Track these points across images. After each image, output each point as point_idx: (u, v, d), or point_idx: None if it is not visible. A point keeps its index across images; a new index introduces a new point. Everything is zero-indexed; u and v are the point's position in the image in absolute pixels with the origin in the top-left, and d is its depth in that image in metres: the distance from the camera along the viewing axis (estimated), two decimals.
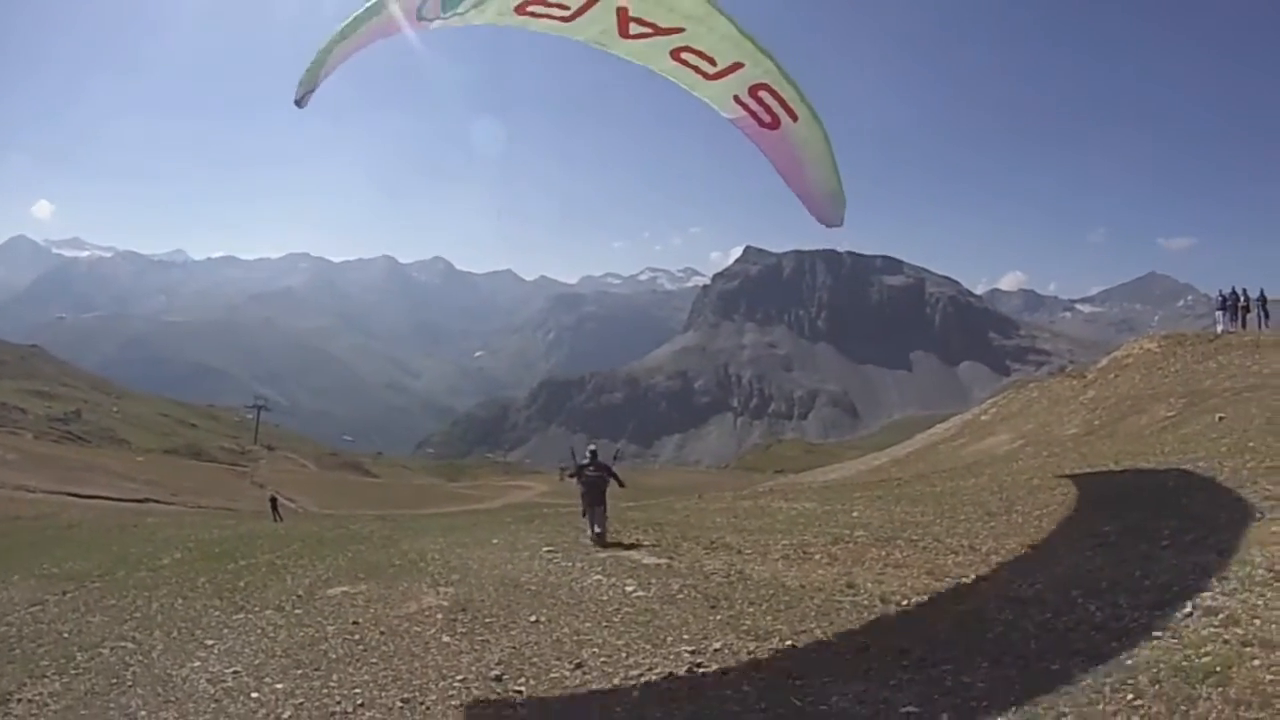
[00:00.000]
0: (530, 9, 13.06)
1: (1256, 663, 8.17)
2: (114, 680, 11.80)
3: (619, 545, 19.77)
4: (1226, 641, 8.72)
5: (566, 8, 13.00)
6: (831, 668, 9.99)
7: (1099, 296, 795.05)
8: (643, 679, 10.33)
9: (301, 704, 10.39)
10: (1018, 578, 12.44)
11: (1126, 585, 11.05)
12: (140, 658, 12.79)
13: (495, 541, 21.28)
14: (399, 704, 10.12)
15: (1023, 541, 14.62)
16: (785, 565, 15.96)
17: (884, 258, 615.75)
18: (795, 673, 9.93)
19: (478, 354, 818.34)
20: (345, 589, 16.62)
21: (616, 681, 10.29)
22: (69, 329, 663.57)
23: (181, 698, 10.94)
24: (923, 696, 8.79)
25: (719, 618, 12.43)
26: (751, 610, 12.70)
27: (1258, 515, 12.81)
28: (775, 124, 15.21)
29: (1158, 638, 9.20)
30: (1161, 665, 8.44)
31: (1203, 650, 8.60)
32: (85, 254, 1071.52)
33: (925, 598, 12.32)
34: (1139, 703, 7.84)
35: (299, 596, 16.27)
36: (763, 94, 14.73)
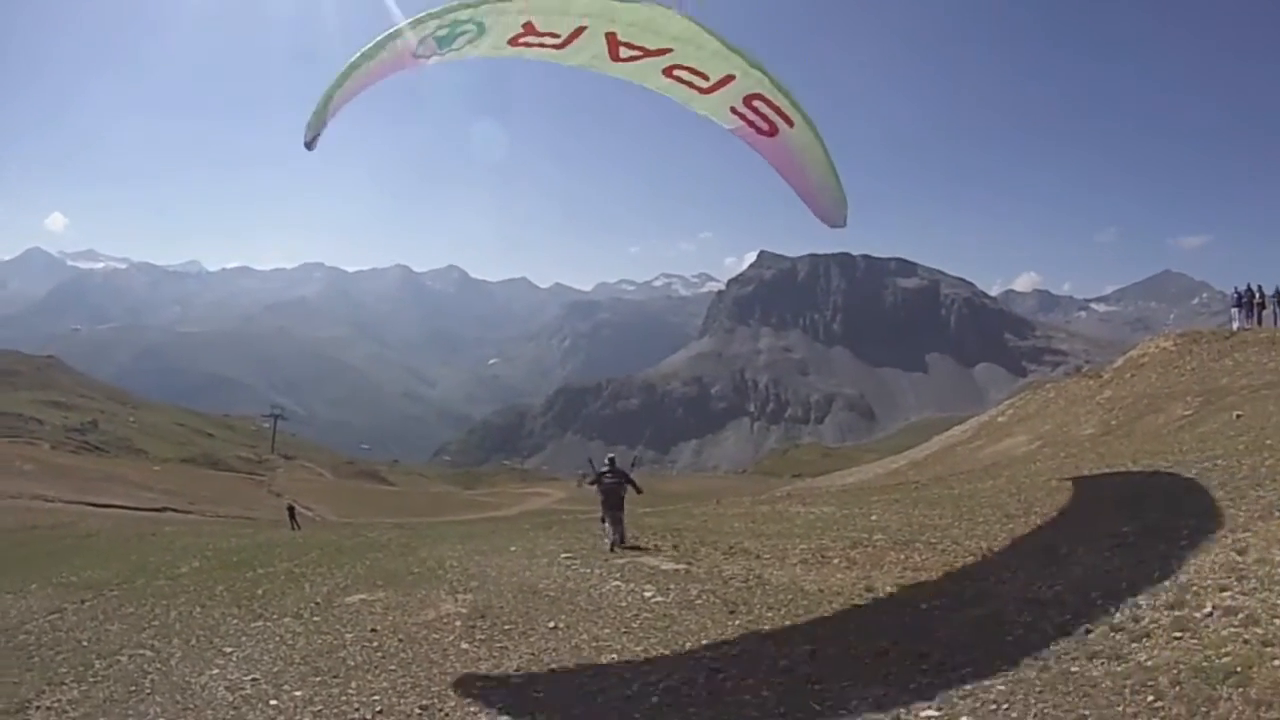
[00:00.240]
0: (523, 41, 14.22)
1: (1277, 663, 8.15)
2: (132, 688, 11.86)
3: (637, 549, 19.85)
4: (1247, 641, 8.70)
5: (557, 36, 14.15)
6: (851, 672, 10.00)
7: (1114, 296, 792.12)
8: (662, 685, 10.32)
9: (320, 711, 10.44)
10: (1037, 580, 12.40)
11: (1146, 586, 11.02)
12: (159, 665, 12.85)
13: (513, 548, 21.28)
14: (417, 711, 10.15)
15: (1041, 543, 14.58)
16: (804, 570, 15.96)
17: (898, 260, 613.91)
18: (814, 677, 9.94)
19: (492, 361, 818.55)
20: (363, 596, 16.63)
21: (636, 688, 10.30)
22: (84, 340, 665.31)
23: (200, 705, 10.99)
24: (942, 700, 8.80)
25: (738, 623, 12.44)
26: (770, 615, 12.71)
27: (1277, 513, 12.75)
28: (773, 131, 16.17)
29: (1178, 638, 9.18)
30: (1182, 666, 8.42)
31: (1223, 650, 8.58)
32: (100, 265, 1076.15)
33: (944, 600, 12.29)
34: (1159, 704, 7.83)
35: (317, 604, 16.29)
36: (757, 103, 15.67)
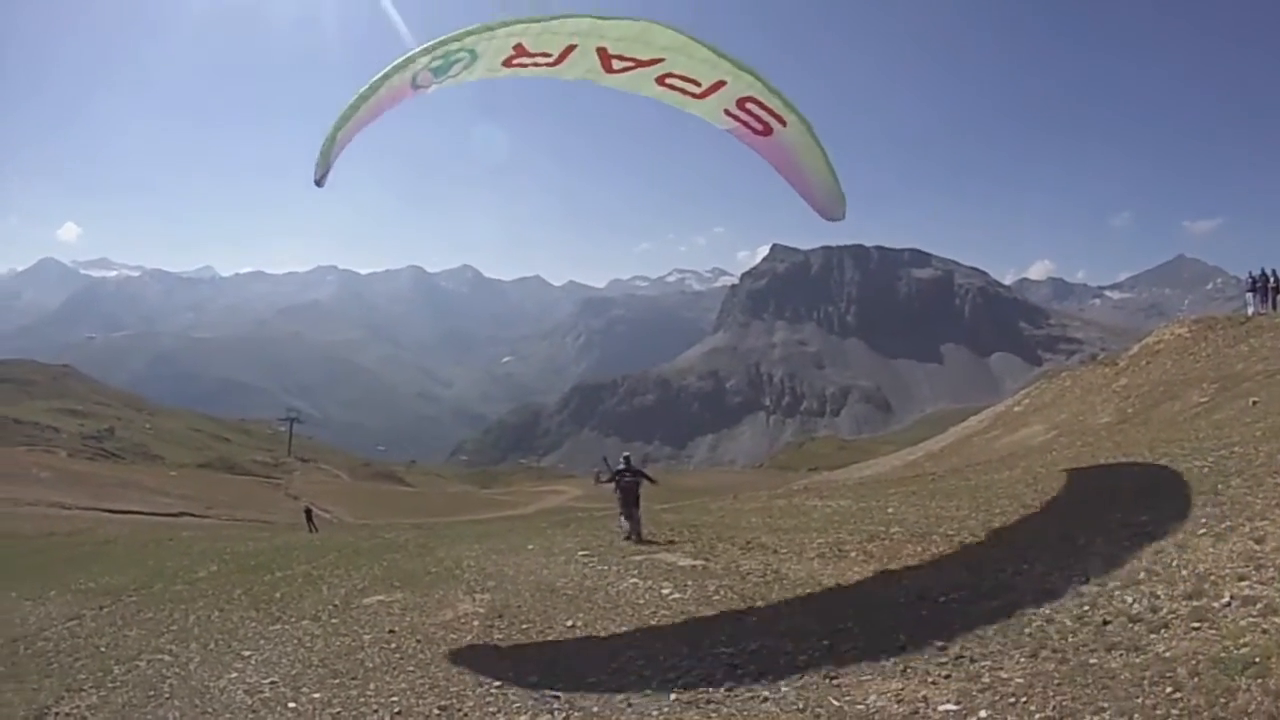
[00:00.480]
0: (516, 61, 15.04)
1: None
2: (151, 692, 11.92)
3: (654, 544, 20.06)
4: (1266, 631, 8.66)
5: (549, 54, 14.99)
6: (869, 666, 9.99)
7: (1127, 282, 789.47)
8: (680, 681, 10.33)
9: (339, 713, 10.46)
10: (1054, 571, 12.36)
11: (1163, 575, 10.99)
12: (177, 670, 12.91)
13: (530, 547, 21.31)
14: (436, 711, 10.17)
15: (1058, 534, 14.51)
16: (821, 564, 15.92)
17: (911, 251, 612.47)
18: (833, 672, 9.92)
19: (506, 360, 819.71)
20: (381, 598, 16.68)
21: (654, 685, 10.30)
22: (99, 348, 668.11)
23: (219, 709, 11.05)
24: (961, 693, 8.78)
25: (755, 618, 12.43)
26: (788, 610, 12.70)
27: None
28: (767, 131, 17.03)
29: (1196, 629, 9.15)
30: (1200, 657, 8.40)
31: (1241, 641, 8.55)
32: (113, 274, 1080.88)
33: (962, 593, 12.25)
34: (1178, 695, 7.81)
35: (335, 606, 16.36)
36: (750, 105, 16.53)
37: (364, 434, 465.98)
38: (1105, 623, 9.92)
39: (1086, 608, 10.54)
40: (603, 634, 12.54)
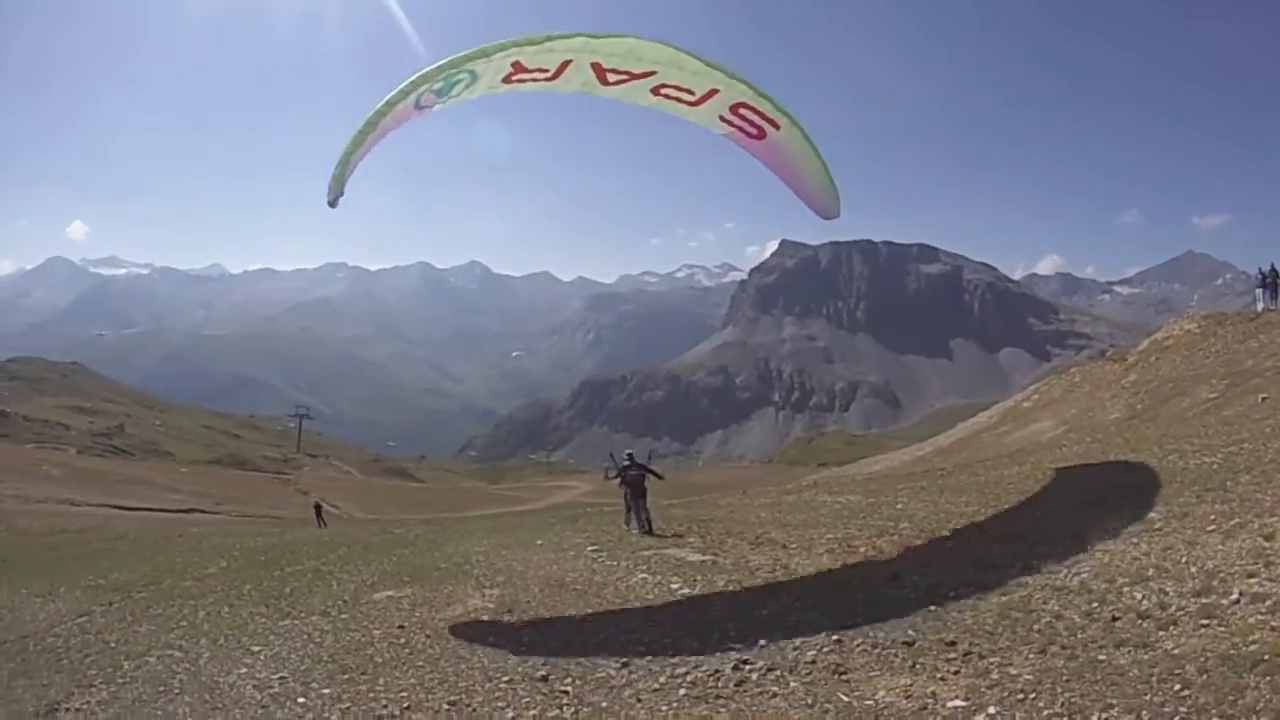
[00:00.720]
0: (515, 79, 15.92)
1: None
2: (161, 688, 11.95)
3: (663, 538, 20.16)
4: (1275, 629, 8.68)
5: (546, 70, 15.89)
6: (878, 661, 10.02)
7: (1137, 278, 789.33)
8: (689, 677, 10.31)
9: (348, 708, 10.47)
10: (1063, 566, 12.36)
11: (1172, 572, 10.99)
12: (187, 665, 12.94)
13: (540, 542, 21.36)
14: (445, 706, 10.19)
15: (1068, 530, 14.49)
16: (830, 559, 15.93)
17: (920, 246, 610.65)
18: (842, 667, 9.94)
19: (515, 354, 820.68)
20: (391, 593, 16.73)
21: (663, 680, 10.30)
22: (109, 346, 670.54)
23: (228, 704, 11.07)
24: (970, 689, 8.79)
25: (764, 614, 12.42)
26: (797, 605, 12.67)
27: None
28: (761, 134, 17.87)
29: (1205, 625, 9.16)
30: (1209, 654, 8.41)
31: (1250, 638, 8.57)
32: (122, 272, 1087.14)
33: (971, 589, 12.24)
34: (1186, 693, 7.82)
35: (345, 601, 16.39)
36: (743, 111, 17.37)
37: (374, 430, 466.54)
38: (1114, 619, 9.93)
39: (1095, 604, 10.54)
40: (612, 629, 12.54)
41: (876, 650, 10.34)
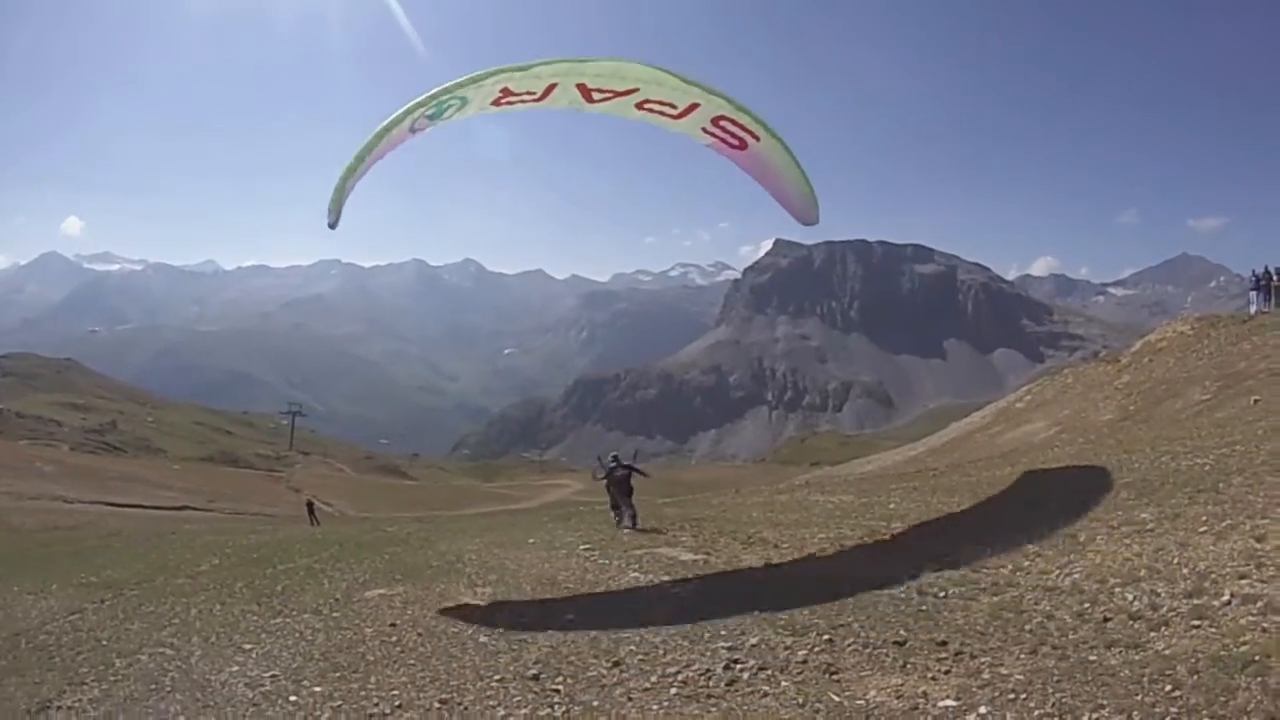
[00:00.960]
0: (504, 101, 16.98)
1: None
2: (153, 686, 11.91)
3: (655, 534, 20.38)
4: (1266, 630, 8.69)
5: (534, 93, 16.96)
6: (869, 661, 10.01)
7: (1131, 279, 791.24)
8: (680, 676, 10.29)
9: (339, 706, 10.44)
10: (1055, 567, 12.39)
11: (1164, 573, 11.02)
12: (179, 663, 12.88)
13: (532, 541, 21.32)
14: (437, 705, 10.14)
15: (1059, 530, 14.51)
16: (822, 559, 15.97)
17: (914, 246, 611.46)
18: (833, 667, 9.93)
19: (508, 352, 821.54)
20: (383, 591, 16.68)
21: (654, 679, 10.27)
22: (102, 342, 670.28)
23: (220, 702, 11.03)
24: (960, 689, 8.79)
25: (756, 613, 12.38)
26: (789, 605, 12.63)
27: None
28: (742, 145, 18.74)
29: (1196, 626, 9.19)
30: (1200, 655, 8.42)
31: (1241, 639, 8.58)
32: (116, 268, 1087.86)
33: (962, 589, 12.27)
34: (1177, 694, 7.82)
35: (336, 599, 16.33)
36: (724, 123, 18.25)
37: (367, 427, 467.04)
38: (1106, 620, 9.95)
39: (1087, 604, 10.57)
40: (603, 628, 12.52)
41: (868, 650, 10.34)
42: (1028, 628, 10.23)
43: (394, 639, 12.98)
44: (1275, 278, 46.26)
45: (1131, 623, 9.69)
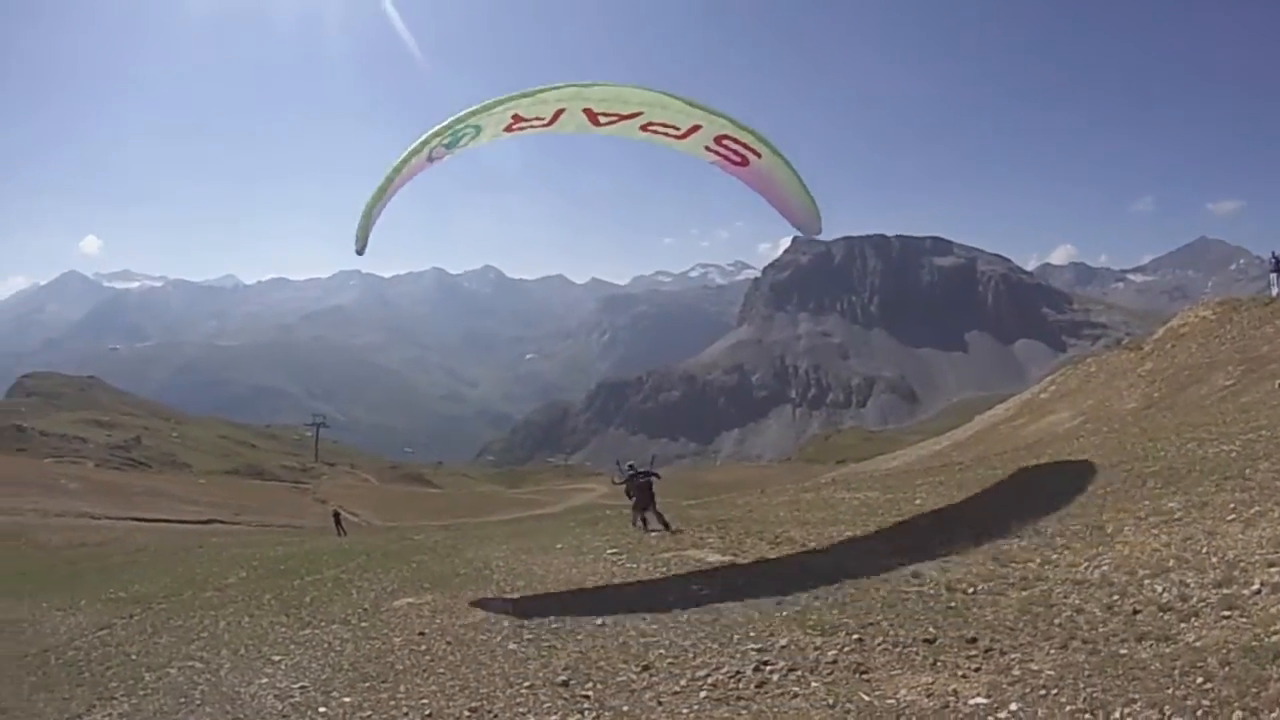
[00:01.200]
0: (515, 127, 18.08)
1: None
2: (182, 699, 11.98)
3: (681, 535, 20.51)
4: None
5: (543, 118, 17.96)
6: (899, 660, 9.99)
7: (1150, 265, 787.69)
8: (710, 678, 10.29)
9: (369, 716, 10.48)
10: (1083, 559, 12.35)
11: (1193, 563, 10.98)
12: (208, 676, 12.97)
13: (559, 546, 21.31)
14: (466, 713, 10.15)
15: (1087, 522, 14.47)
16: (849, 557, 15.92)
17: (933, 239, 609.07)
18: (862, 666, 9.92)
19: (529, 357, 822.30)
20: (411, 600, 16.73)
21: (684, 682, 10.27)
22: (124, 359, 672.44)
23: (249, 715, 11.10)
24: (991, 686, 8.77)
25: (785, 614, 12.39)
26: (817, 605, 12.65)
27: None
28: (745, 162, 19.69)
29: (1226, 617, 9.14)
30: (1231, 646, 8.37)
31: (1272, 629, 8.53)
32: (135, 285, 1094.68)
33: (991, 584, 12.24)
34: (1209, 686, 7.78)
35: (365, 609, 16.40)
36: (726, 142, 19.21)
37: (390, 436, 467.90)
38: (1135, 612, 9.92)
39: (1116, 597, 10.53)
40: (632, 632, 12.51)
41: (897, 648, 10.33)
42: (1057, 622, 10.20)
43: (423, 648, 13.02)
44: None
45: (1161, 615, 9.65)
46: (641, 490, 22.26)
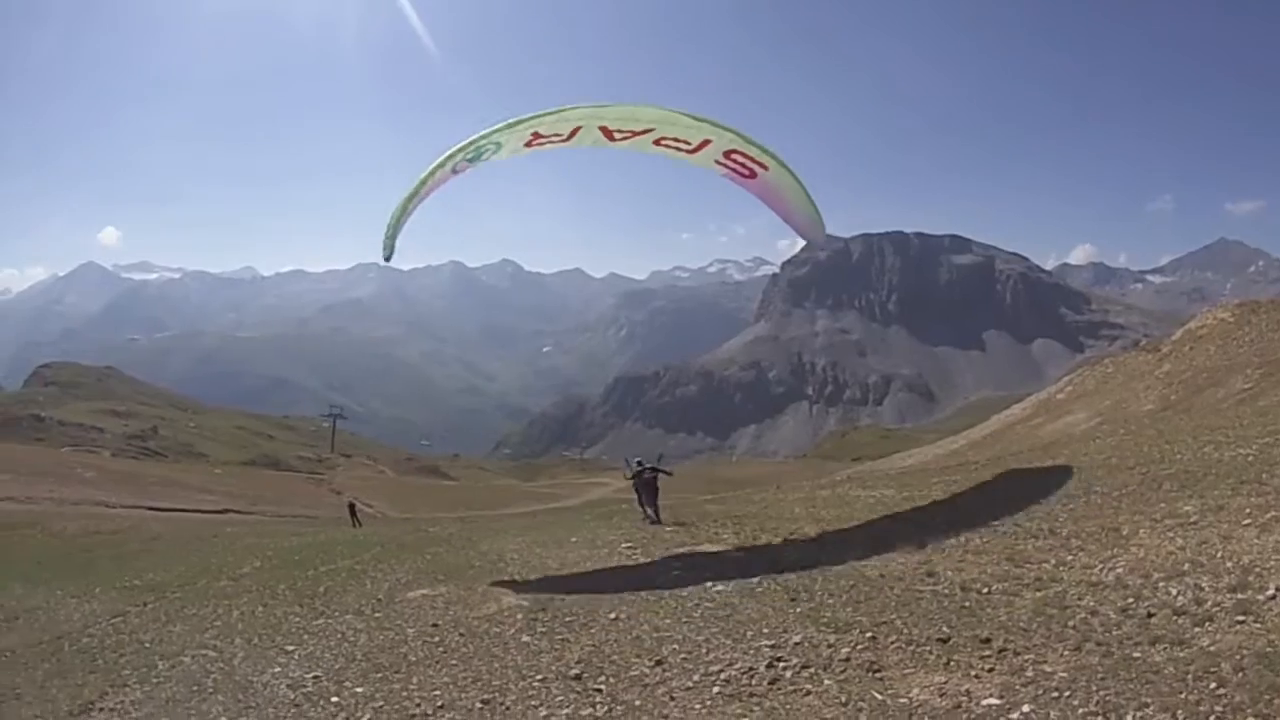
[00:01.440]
0: (535, 144, 19.43)
1: None
2: (195, 687, 12.09)
3: (693, 528, 20.76)
4: None
5: (561, 135, 19.23)
6: (912, 659, 9.98)
7: (1169, 266, 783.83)
8: (723, 674, 10.30)
9: (381, 707, 10.56)
10: (1098, 561, 12.32)
11: (1208, 567, 10.95)
12: (221, 665, 13.08)
13: (574, 540, 21.38)
14: (479, 705, 10.22)
15: (1102, 524, 14.44)
16: (864, 555, 15.86)
17: (952, 237, 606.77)
18: (876, 665, 9.91)
19: (546, 350, 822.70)
20: (425, 591, 16.80)
21: (697, 678, 10.29)
22: (142, 350, 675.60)
23: (262, 703, 11.18)
24: (1004, 687, 8.76)
25: (799, 610, 12.39)
26: (831, 602, 12.65)
27: None
28: (753, 175, 20.83)
29: (1241, 622, 9.12)
30: (1245, 651, 8.36)
31: None
32: (154, 276, 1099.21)
33: (1005, 584, 12.21)
34: (1222, 691, 7.77)
35: (379, 600, 16.49)
36: (735, 156, 20.34)
37: (407, 429, 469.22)
38: (1149, 615, 9.89)
39: (1130, 600, 10.51)
40: (646, 626, 12.53)
41: (911, 647, 10.32)
42: (1071, 624, 10.17)
43: (436, 639, 13.09)
44: None
45: (1175, 618, 9.62)
46: (646, 485, 23.27)
